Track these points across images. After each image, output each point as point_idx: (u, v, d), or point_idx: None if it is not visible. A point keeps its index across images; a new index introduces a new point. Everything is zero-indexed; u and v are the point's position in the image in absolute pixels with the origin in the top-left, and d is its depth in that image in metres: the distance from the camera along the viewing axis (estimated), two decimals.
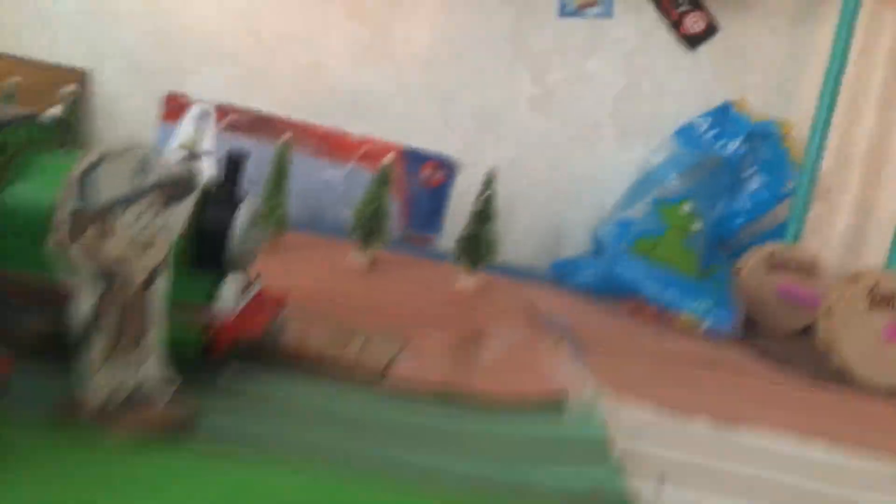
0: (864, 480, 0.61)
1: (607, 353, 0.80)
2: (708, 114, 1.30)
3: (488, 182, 1.23)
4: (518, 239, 1.38)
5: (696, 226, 1.16)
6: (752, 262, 1.15)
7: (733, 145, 1.25)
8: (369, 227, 1.31)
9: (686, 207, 1.16)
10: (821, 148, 1.22)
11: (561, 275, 1.20)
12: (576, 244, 1.35)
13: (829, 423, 0.72)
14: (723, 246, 1.28)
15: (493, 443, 0.68)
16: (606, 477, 0.60)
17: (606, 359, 0.78)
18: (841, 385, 0.82)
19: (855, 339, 0.89)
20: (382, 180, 1.34)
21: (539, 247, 1.34)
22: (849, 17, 1.15)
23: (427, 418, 0.73)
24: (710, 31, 1.32)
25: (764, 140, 1.28)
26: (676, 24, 1.34)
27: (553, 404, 0.74)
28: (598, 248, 1.26)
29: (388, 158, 1.33)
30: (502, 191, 1.17)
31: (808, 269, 1.13)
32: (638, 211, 1.25)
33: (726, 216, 1.29)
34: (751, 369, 0.81)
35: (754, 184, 1.28)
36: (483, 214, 1.26)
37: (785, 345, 1.02)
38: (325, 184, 1.53)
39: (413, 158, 1.54)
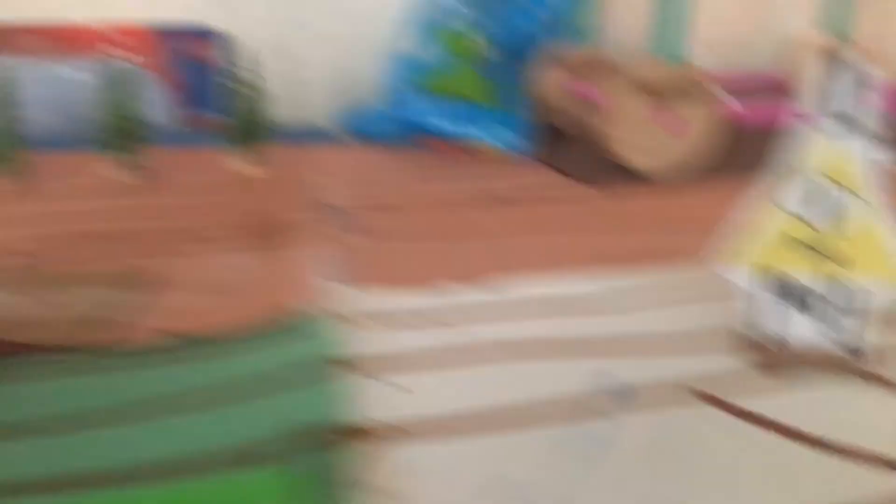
0: (628, 300, 0.58)
1: (389, 227, 0.72)
2: None
3: (251, 58, 1.11)
4: (307, 96, 1.27)
5: (486, 50, 1.08)
6: (547, 71, 1.09)
7: None
8: (121, 133, 1.10)
9: (473, 35, 1.07)
10: None
11: (354, 129, 1.12)
12: (369, 92, 1.26)
13: (604, 241, 0.68)
14: (525, 59, 1.21)
15: (216, 392, 0.61)
16: (321, 403, 0.54)
17: (382, 241, 0.70)
18: (622, 179, 0.81)
19: (626, 128, 0.87)
20: (120, 78, 1.13)
21: (331, 99, 1.24)
22: None
23: (152, 384, 0.64)
24: None
25: None
26: None
27: (284, 324, 0.66)
28: (387, 93, 1.17)
29: (132, 47, 1.17)
30: (281, 50, 1.05)
31: (599, 68, 1.09)
32: (424, 47, 1.16)
33: (525, 30, 1.21)
34: (534, 193, 0.77)
35: None
36: (250, 91, 1.13)
37: (575, 150, 1.00)
38: (64, 88, 1.34)
39: (170, 35, 1.36)
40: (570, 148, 1.00)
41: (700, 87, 0.81)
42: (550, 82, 1.06)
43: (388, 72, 1.14)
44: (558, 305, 0.56)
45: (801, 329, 0.39)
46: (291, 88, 1.23)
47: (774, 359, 0.41)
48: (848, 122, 0.32)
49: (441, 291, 0.58)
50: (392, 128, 1.03)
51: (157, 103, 1.29)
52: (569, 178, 0.83)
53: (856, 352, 0.41)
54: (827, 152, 0.29)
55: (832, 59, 1.05)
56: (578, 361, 0.50)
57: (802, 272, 0.31)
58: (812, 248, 0.26)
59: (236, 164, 1.13)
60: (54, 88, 1.28)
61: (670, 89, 0.83)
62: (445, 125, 0.98)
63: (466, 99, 0.99)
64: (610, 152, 0.81)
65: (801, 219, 0.26)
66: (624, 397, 0.46)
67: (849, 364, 0.42)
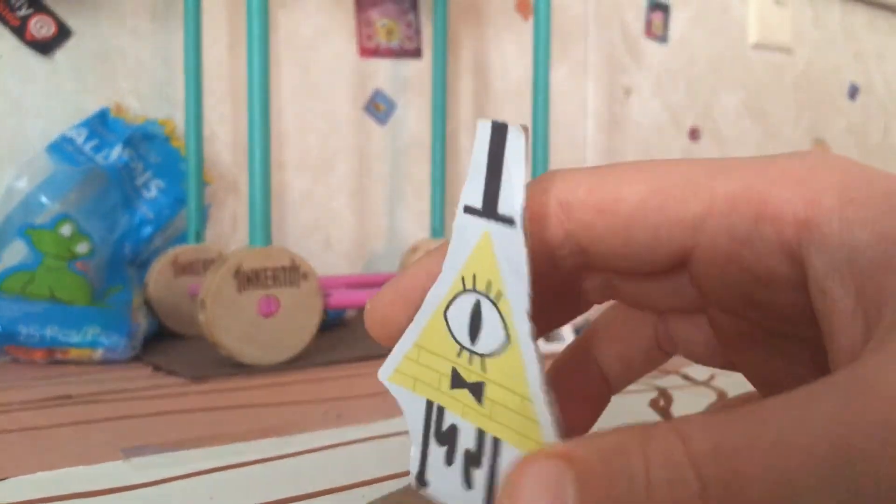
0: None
1: None
2: (83, 123, 1.10)
3: None
4: None
5: (82, 247, 0.96)
6: (157, 271, 1.00)
7: (115, 153, 1.08)
8: None
9: (64, 229, 0.95)
10: (199, 144, 1.12)
11: None
12: None
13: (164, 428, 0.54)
14: (136, 261, 1.11)
15: None
16: None
17: None
18: (228, 373, 0.71)
19: (233, 324, 0.79)
20: None
21: None
22: (193, 14, 1.06)
23: None
24: (62, 34, 1.13)
25: (150, 143, 1.14)
26: (20, 31, 1.12)
27: None
28: None
29: None
30: None
31: (205, 263, 1.02)
32: (10, 247, 1.00)
33: (132, 230, 1.12)
34: (120, 392, 0.63)
35: (153, 190, 1.12)
36: None
37: (183, 348, 0.89)
38: None
39: None
40: (178, 346, 0.89)
41: (299, 271, 0.77)
42: (158, 281, 0.98)
43: None
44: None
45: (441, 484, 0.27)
46: None
47: None
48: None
49: None
50: None
51: None
52: (172, 376, 0.71)
53: None
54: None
55: None
56: None
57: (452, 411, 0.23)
58: (448, 374, 0.20)
59: None
60: None
61: (270, 275, 0.79)
62: (33, 331, 0.81)
63: (59, 301, 0.84)
64: (217, 346, 0.73)
65: (443, 335, 0.20)
66: None
67: None
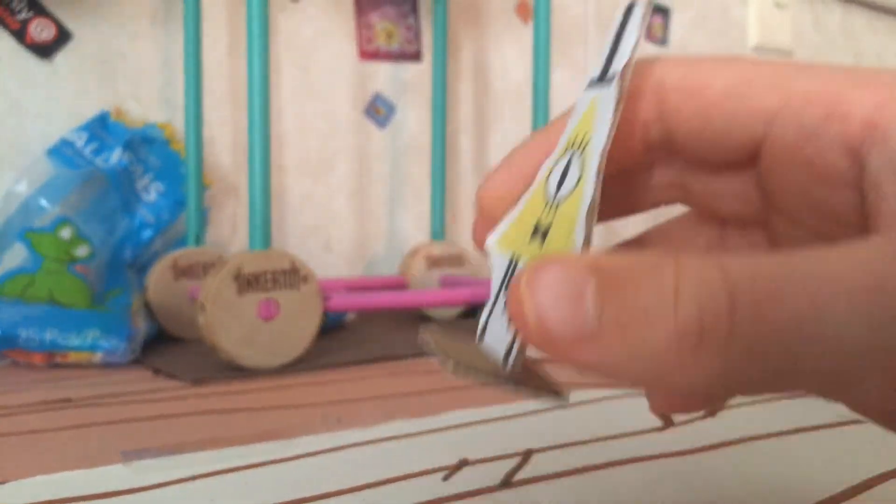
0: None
1: None
2: (84, 127, 1.10)
3: None
4: None
5: (82, 251, 0.96)
6: (157, 274, 1.00)
7: (115, 156, 1.08)
8: None
9: (64, 233, 0.95)
10: (199, 147, 1.12)
11: None
12: None
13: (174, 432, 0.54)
14: (136, 264, 1.11)
15: None
16: None
17: None
18: (229, 376, 0.71)
19: (233, 327, 0.79)
20: None
21: None
22: (193, 17, 1.06)
23: None
24: (62, 37, 1.13)
25: (150, 146, 1.14)
26: (20, 34, 1.12)
27: None
28: None
29: None
30: None
31: (205, 267, 1.02)
32: (10, 250, 1.00)
33: (131, 233, 1.12)
34: (120, 395, 0.63)
35: (152, 193, 1.12)
36: None
37: (183, 351, 0.89)
38: None
39: None
40: (178, 349, 0.89)
41: (299, 274, 0.76)
42: (158, 284, 0.97)
43: None
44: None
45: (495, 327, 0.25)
46: None
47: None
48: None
49: None
50: None
51: None
52: (172, 380, 0.71)
53: (506, 356, 0.29)
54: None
55: None
56: None
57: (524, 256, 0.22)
58: (534, 225, 0.20)
59: None
60: None
61: (270, 278, 0.79)
62: (33, 334, 0.81)
63: (59, 304, 0.84)
64: (217, 350, 0.72)
65: (543, 195, 0.20)
66: None
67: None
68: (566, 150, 0.18)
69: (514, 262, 0.18)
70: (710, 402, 0.21)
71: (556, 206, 0.17)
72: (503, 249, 0.18)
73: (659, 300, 0.11)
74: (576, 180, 0.16)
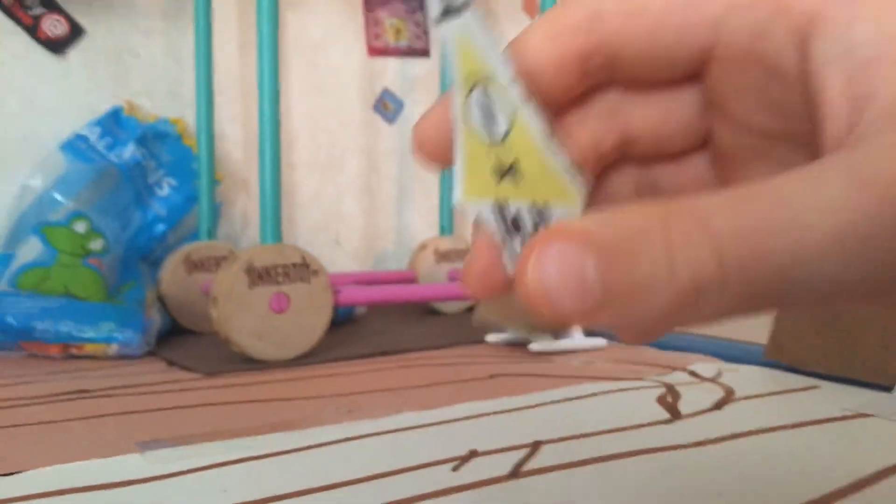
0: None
1: None
2: (97, 122, 1.11)
3: None
4: None
5: (96, 244, 0.97)
6: (170, 268, 1.00)
7: (128, 151, 1.09)
8: None
9: (79, 226, 0.96)
10: (211, 142, 1.12)
11: None
12: None
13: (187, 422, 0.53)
14: (149, 258, 1.11)
15: None
16: None
17: None
18: (241, 368, 0.71)
19: (245, 320, 0.79)
20: None
21: None
22: (204, 13, 1.06)
23: None
24: (75, 33, 1.14)
25: (162, 141, 1.15)
26: (33, 30, 1.13)
27: None
28: None
29: None
30: None
31: (217, 260, 1.03)
32: (25, 244, 1.01)
33: (144, 227, 1.12)
34: (133, 386, 0.63)
35: (165, 188, 1.13)
36: None
37: (196, 343, 0.89)
38: None
39: None
40: (191, 342, 0.89)
41: (309, 268, 0.77)
42: (171, 278, 0.98)
43: None
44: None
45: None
46: None
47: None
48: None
49: None
50: None
51: None
52: (186, 372, 0.71)
53: None
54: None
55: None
56: None
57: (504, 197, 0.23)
58: (494, 167, 0.20)
59: None
60: None
61: (281, 272, 0.79)
62: (49, 326, 0.82)
63: (74, 297, 0.85)
64: (229, 342, 0.73)
65: (478, 136, 0.20)
66: None
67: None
68: (468, 90, 0.18)
69: (502, 206, 0.18)
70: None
71: (507, 144, 0.17)
72: (474, 199, 0.19)
73: (654, 271, 0.11)
74: (506, 117, 0.17)
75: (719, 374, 0.64)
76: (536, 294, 0.13)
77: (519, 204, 0.18)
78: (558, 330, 0.19)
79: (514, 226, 0.18)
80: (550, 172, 0.16)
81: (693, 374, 0.64)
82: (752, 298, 0.12)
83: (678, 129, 0.19)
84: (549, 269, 0.12)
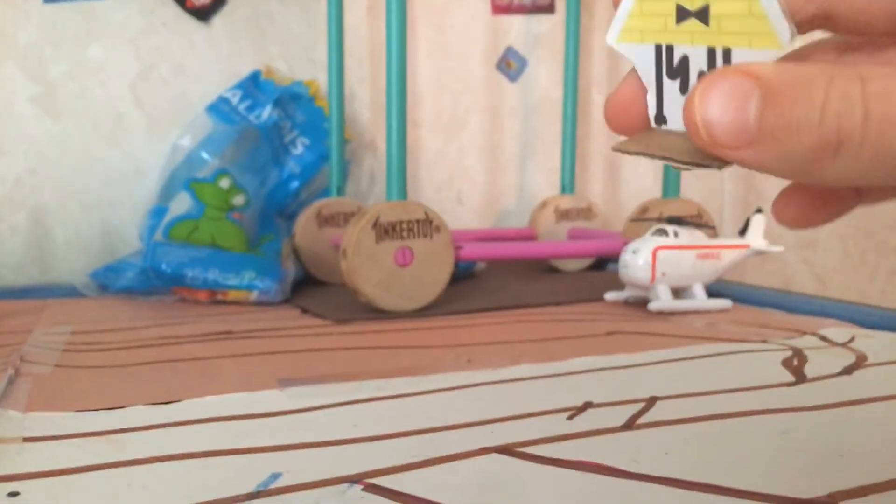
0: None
1: (95, 363, 0.57)
2: (238, 85, 1.18)
3: None
4: (62, 255, 1.15)
5: (239, 200, 1.04)
6: (303, 222, 1.06)
7: (266, 113, 1.15)
8: None
9: (223, 183, 1.03)
10: (341, 104, 1.17)
11: (103, 284, 1.01)
12: (127, 247, 1.17)
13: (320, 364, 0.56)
14: (284, 213, 1.19)
15: None
16: None
17: (78, 372, 0.54)
18: (370, 317, 0.75)
19: (372, 273, 0.83)
20: None
21: (89, 259, 1.13)
22: None
23: None
24: (219, 1, 1.21)
25: (296, 103, 1.21)
26: None
27: None
28: (142, 247, 1.09)
29: None
30: (24, 210, 0.96)
31: (347, 216, 1.08)
32: (177, 198, 1.10)
33: (280, 184, 1.20)
34: (272, 329, 0.68)
35: (299, 147, 1.19)
36: None
37: (327, 294, 0.95)
38: None
39: None
40: (323, 292, 0.95)
41: (432, 224, 0.80)
42: (304, 232, 1.04)
43: (143, 226, 1.06)
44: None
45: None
46: (40, 248, 1.10)
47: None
48: None
49: (123, 413, 0.45)
50: (145, 279, 0.94)
51: None
52: (318, 318, 0.76)
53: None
54: None
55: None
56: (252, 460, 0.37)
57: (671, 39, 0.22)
58: (668, 13, 0.20)
59: None
60: None
61: (405, 228, 0.82)
62: (198, 274, 0.90)
63: (219, 248, 0.92)
64: (357, 292, 0.77)
65: None
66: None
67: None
68: None
69: (664, 50, 0.19)
70: (840, 206, 0.21)
71: None
72: (629, 41, 0.19)
73: (807, 114, 0.12)
74: None
75: (852, 339, 0.61)
76: (697, 121, 0.14)
77: (690, 49, 0.17)
78: (699, 163, 0.18)
79: (680, 68, 0.18)
80: (757, 16, 0.16)
81: (823, 338, 0.62)
82: (884, 162, 0.13)
83: (881, 13, 0.19)
84: (714, 100, 0.14)
